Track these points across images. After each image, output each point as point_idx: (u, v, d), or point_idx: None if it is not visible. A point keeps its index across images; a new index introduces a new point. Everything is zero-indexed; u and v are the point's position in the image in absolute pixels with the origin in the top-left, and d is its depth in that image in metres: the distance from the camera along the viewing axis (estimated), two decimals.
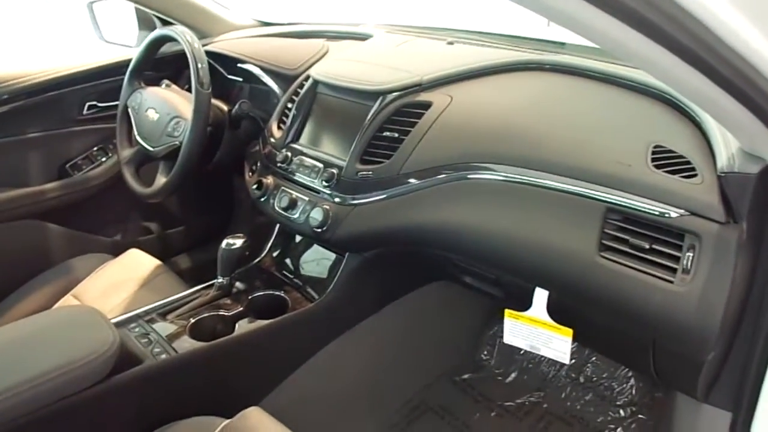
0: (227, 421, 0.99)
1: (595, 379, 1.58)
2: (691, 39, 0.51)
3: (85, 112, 1.75)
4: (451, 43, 1.42)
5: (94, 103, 1.75)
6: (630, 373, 1.54)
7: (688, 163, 0.85)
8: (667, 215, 0.82)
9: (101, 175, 1.77)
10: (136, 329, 1.17)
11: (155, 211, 1.92)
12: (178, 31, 1.45)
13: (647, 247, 0.83)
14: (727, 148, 0.82)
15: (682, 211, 0.81)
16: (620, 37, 0.51)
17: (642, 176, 0.86)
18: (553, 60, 1.19)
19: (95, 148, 1.78)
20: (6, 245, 1.62)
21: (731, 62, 0.54)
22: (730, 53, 0.53)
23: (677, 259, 0.81)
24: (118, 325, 1.15)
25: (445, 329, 1.67)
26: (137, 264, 1.49)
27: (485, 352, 1.72)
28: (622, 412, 1.50)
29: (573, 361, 1.61)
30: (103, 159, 1.79)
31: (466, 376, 1.67)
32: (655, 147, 0.89)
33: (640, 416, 1.48)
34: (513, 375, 1.66)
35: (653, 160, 0.87)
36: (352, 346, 1.39)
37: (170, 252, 1.95)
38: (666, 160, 0.87)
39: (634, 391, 1.52)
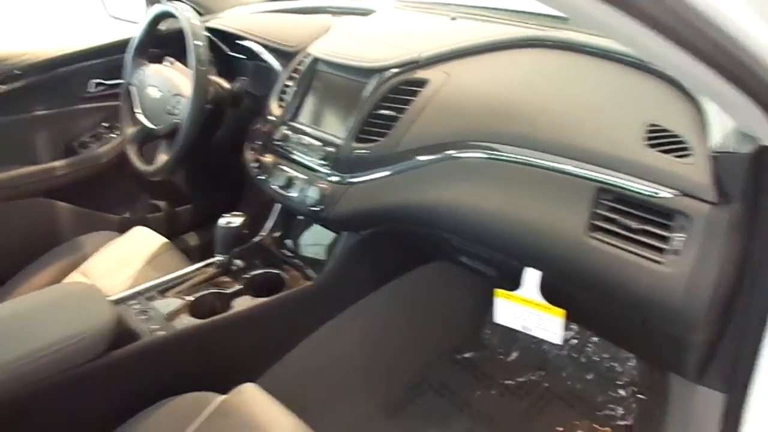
0: (223, 396, 1.00)
1: (596, 359, 1.57)
2: (686, 27, 0.49)
3: (91, 89, 1.75)
4: (454, 18, 1.39)
5: (101, 80, 1.75)
6: (631, 354, 1.53)
7: (682, 142, 0.84)
8: (658, 195, 0.81)
9: (108, 152, 1.78)
10: (136, 306, 1.18)
11: (163, 189, 1.93)
12: (177, 7, 1.45)
13: (637, 227, 0.82)
14: (722, 127, 0.80)
15: (673, 191, 0.80)
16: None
17: (635, 156, 0.85)
18: (555, 36, 1.17)
19: (102, 126, 1.79)
20: (14, 223, 1.64)
21: (725, 48, 0.52)
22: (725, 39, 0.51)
23: (667, 240, 0.80)
24: (118, 302, 1.17)
25: (445, 308, 1.66)
26: (143, 241, 1.51)
27: (488, 331, 1.72)
28: (622, 392, 1.50)
29: (575, 341, 1.60)
30: (111, 136, 1.79)
31: (467, 355, 1.67)
32: (651, 126, 0.87)
33: (640, 396, 1.47)
34: (514, 354, 1.66)
35: (648, 139, 0.86)
36: (351, 325, 1.39)
37: (178, 230, 1.96)
38: (661, 139, 0.85)
39: (634, 372, 1.51)
